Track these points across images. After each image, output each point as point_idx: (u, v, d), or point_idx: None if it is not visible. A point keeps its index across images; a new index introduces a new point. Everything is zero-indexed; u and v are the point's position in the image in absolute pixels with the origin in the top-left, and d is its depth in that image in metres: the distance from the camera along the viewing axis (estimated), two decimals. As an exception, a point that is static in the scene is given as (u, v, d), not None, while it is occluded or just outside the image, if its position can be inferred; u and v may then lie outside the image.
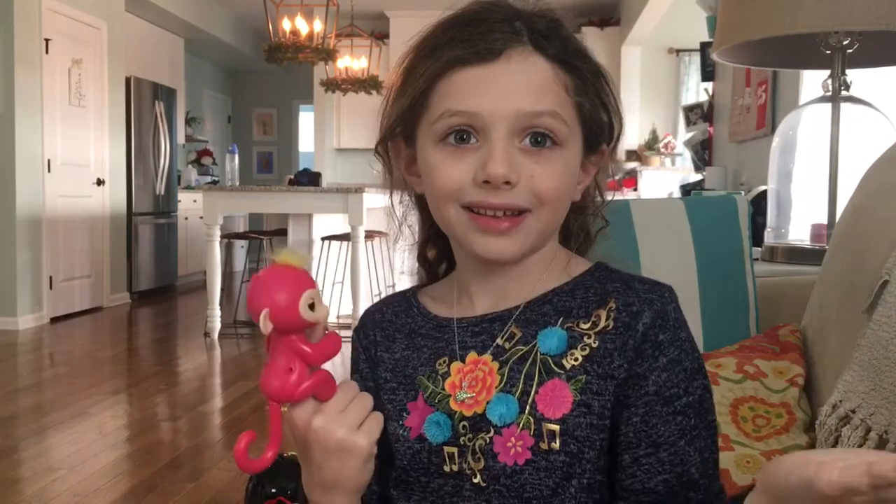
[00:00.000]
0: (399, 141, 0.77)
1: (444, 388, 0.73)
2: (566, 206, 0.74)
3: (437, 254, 0.84)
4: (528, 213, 0.70)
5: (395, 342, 0.79)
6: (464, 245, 0.73)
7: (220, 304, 5.14)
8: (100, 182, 6.20)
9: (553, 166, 0.69)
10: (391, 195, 0.81)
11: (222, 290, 5.20)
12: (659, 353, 0.69)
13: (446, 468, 0.71)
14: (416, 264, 0.86)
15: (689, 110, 6.07)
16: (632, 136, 7.43)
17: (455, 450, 0.71)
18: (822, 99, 1.74)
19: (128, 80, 6.70)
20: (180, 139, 8.17)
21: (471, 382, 0.72)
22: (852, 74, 1.72)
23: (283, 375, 0.60)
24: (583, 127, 0.72)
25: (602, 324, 0.71)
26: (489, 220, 0.70)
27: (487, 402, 0.70)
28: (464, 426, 0.71)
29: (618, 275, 0.75)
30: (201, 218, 5.36)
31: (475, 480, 0.69)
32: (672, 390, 0.69)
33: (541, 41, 0.70)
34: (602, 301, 0.72)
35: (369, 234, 5.23)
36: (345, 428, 0.64)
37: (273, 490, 1.68)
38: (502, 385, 0.70)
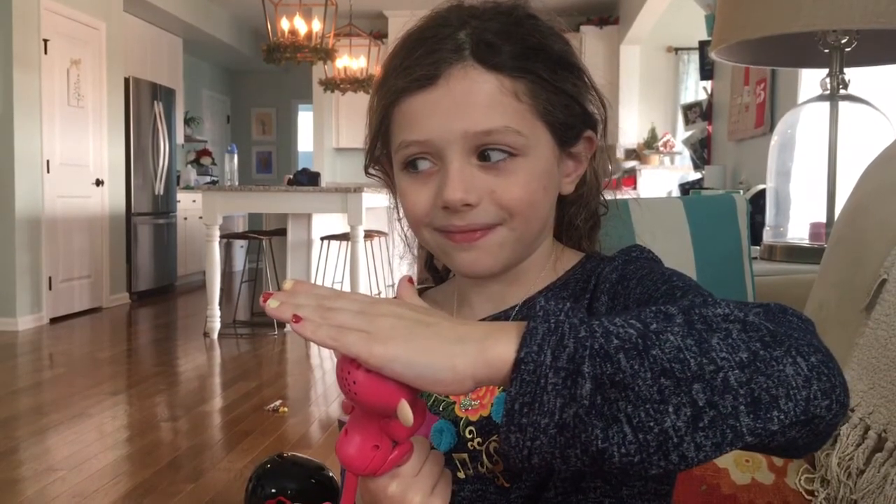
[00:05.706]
0: (384, 160, 0.77)
1: (447, 396, 0.73)
2: (544, 210, 0.73)
3: (444, 265, 0.85)
4: (498, 225, 0.69)
5: None
6: (446, 263, 0.75)
7: (220, 305, 5.14)
8: (99, 182, 6.20)
9: (515, 177, 0.68)
10: (397, 209, 0.79)
11: (222, 290, 5.19)
12: (636, 269, 0.69)
13: (460, 475, 0.71)
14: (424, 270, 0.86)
15: (688, 109, 6.08)
16: (631, 134, 7.44)
17: (465, 455, 0.71)
18: (821, 97, 1.74)
19: (126, 81, 6.69)
20: (179, 139, 8.16)
21: None
22: (850, 73, 1.72)
23: (370, 452, 0.58)
24: (548, 126, 0.70)
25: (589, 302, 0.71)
26: (461, 235, 0.70)
27: (492, 405, 0.71)
28: (470, 431, 0.71)
29: (602, 257, 0.77)
30: (200, 218, 5.37)
31: (498, 483, 0.69)
32: (657, 285, 0.65)
33: (484, 53, 0.67)
34: (587, 283, 0.73)
35: (368, 234, 5.22)
36: (420, 494, 0.61)
37: (273, 490, 1.68)
38: None
